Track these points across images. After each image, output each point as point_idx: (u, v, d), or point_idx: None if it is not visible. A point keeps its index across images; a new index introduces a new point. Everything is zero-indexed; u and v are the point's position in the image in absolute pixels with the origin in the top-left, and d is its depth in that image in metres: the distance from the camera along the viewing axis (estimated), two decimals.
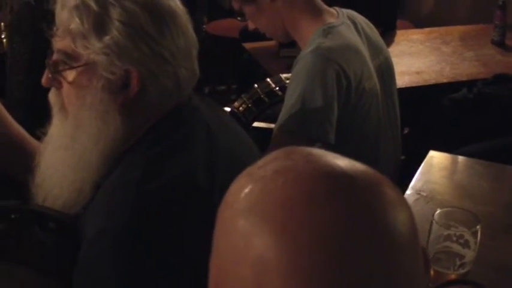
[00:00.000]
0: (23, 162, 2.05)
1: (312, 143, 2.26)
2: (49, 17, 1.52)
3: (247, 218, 0.74)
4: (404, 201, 0.78)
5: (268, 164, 0.78)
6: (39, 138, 2.52)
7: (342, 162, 0.77)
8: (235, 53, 5.04)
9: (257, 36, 4.34)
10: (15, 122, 2.12)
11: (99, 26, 1.41)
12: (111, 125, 1.46)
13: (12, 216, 1.45)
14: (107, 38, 1.41)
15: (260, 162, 0.80)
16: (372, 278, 0.71)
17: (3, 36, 3.94)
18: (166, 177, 1.38)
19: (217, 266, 0.79)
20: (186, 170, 1.41)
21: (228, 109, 2.79)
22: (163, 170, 1.39)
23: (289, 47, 3.74)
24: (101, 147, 1.48)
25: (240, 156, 1.53)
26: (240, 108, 2.75)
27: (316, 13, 2.36)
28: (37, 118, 2.00)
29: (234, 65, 5.19)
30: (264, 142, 2.28)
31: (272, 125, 2.43)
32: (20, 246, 1.43)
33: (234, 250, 0.75)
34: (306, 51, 2.24)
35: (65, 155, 1.52)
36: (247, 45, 4.20)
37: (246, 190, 0.77)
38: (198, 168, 1.43)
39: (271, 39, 2.94)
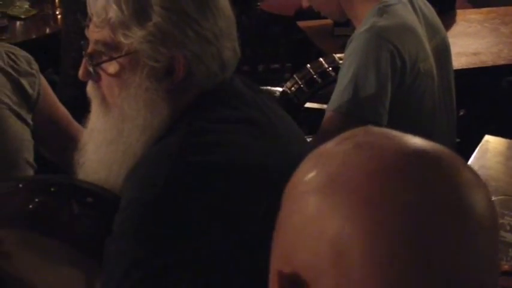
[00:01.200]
0: (66, 147, 2.07)
1: (364, 125, 2.22)
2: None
3: (327, 191, 0.73)
4: (484, 185, 0.77)
5: (346, 139, 0.77)
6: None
7: (423, 142, 0.76)
8: (289, 31, 5.01)
9: (312, 14, 4.34)
10: (61, 105, 2.14)
11: (140, 12, 1.39)
12: (157, 114, 1.44)
13: (52, 189, 1.45)
14: (149, 25, 1.39)
15: (332, 143, 0.78)
16: (453, 253, 0.70)
17: (57, 13, 3.98)
18: (202, 154, 1.36)
19: (288, 243, 0.77)
20: (222, 148, 1.39)
21: (280, 89, 2.77)
22: (200, 146, 1.37)
23: (344, 25, 3.70)
24: (146, 138, 1.46)
25: (283, 139, 1.51)
26: (292, 88, 2.73)
27: None
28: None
29: (288, 43, 5.15)
30: (316, 123, 2.26)
31: (324, 106, 2.39)
32: (56, 219, 1.44)
33: (310, 225, 0.74)
34: (360, 30, 2.20)
35: (110, 149, 1.50)
36: (302, 24, 4.16)
37: (324, 164, 0.75)
38: (237, 148, 1.41)
39: (326, 18, 2.90)
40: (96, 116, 1.53)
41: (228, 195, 1.35)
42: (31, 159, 2.02)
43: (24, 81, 1.98)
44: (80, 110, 2.14)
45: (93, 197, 1.47)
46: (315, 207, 0.73)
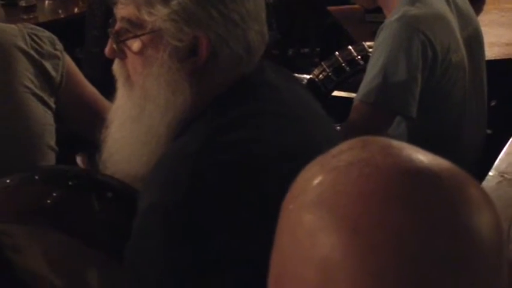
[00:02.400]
0: (96, 124, 2.05)
1: (393, 115, 2.20)
2: None
3: (315, 212, 0.68)
4: (491, 204, 0.71)
5: (342, 153, 0.72)
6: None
7: (424, 157, 0.70)
8: (320, 16, 4.97)
9: (344, 1, 4.30)
10: (88, 83, 2.12)
11: None
12: (180, 94, 1.41)
13: (70, 182, 1.42)
14: (173, 3, 1.36)
15: (334, 151, 0.73)
16: (447, 285, 0.65)
17: None
18: (226, 154, 1.32)
19: (278, 263, 0.73)
20: (249, 147, 1.35)
21: (307, 76, 2.73)
22: (223, 145, 1.33)
23: (375, 11, 3.65)
24: (169, 119, 1.43)
25: (312, 133, 1.47)
26: (320, 76, 2.69)
27: None
28: (112, 74, 1.98)
29: (318, 28, 5.11)
30: (343, 112, 2.22)
31: (352, 95, 2.35)
32: (74, 215, 1.40)
33: (297, 247, 0.69)
34: (392, 19, 2.16)
35: (132, 127, 1.47)
36: (332, 9, 4.12)
37: (316, 181, 0.71)
38: (264, 146, 1.36)
39: (355, 3, 2.86)
40: (121, 94, 1.51)
41: (253, 194, 1.31)
42: (53, 143, 2.00)
43: (47, 64, 1.96)
44: (101, 88, 2.14)
45: (113, 192, 1.44)
46: (305, 229, 0.69)
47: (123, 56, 1.47)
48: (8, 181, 1.46)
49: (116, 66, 1.50)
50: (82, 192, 1.42)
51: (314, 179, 0.71)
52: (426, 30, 2.13)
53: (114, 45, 1.46)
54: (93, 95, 2.13)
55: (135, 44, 1.42)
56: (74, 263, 1.49)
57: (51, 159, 2.00)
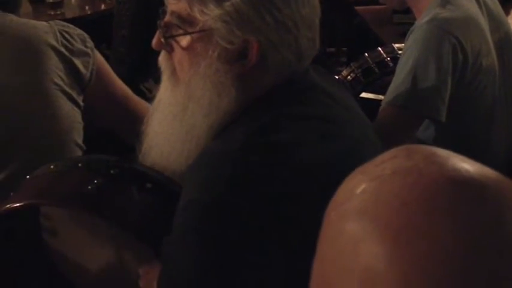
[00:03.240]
0: (128, 120, 2.06)
1: (421, 119, 2.18)
2: None
3: (357, 221, 0.67)
4: None
5: (386, 162, 0.70)
6: (142, 93, 2.53)
7: (470, 166, 0.68)
8: (347, 16, 4.94)
9: (372, 1, 4.27)
10: (118, 80, 2.12)
11: None
12: (224, 97, 1.39)
13: (112, 171, 1.44)
14: (227, 4, 1.34)
15: (377, 160, 0.72)
16: None
17: None
18: (267, 155, 1.31)
19: (320, 273, 0.72)
20: (291, 151, 1.33)
21: (336, 77, 2.71)
22: (265, 146, 1.32)
23: (403, 12, 3.63)
24: (211, 121, 1.42)
25: (354, 139, 1.45)
26: (348, 77, 2.67)
27: None
28: (139, 74, 1.99)
29: (345, 28, 5.09)
30: (371, 114, 2.20)
31: (380, 97, 2.33)
32: (114, 203, 1.43)
33: (339, 257, 0.68)
34: (422, 21, 2.13)
35: (174, 124, 1.46)
36: (360, 9, 4.10)
37: (359, 190, 0.69)
38: (307, 150, 1.34)
39: (384, 4, 2.83)
40: (165, 88, 1.50)
41: (290, 198, 1.30)
42: (80, 141, 2.01)
43: (77, 61, 1.97)
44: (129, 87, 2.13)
45: (153, 183, 1.46)
46: (347, 238, 0.67)
47: (170, 50, 1.45)
48: (52, 166, 1.51)
49: (162, 58, 1.49)
50: (123, 181, 1.45)
51: (357, 187, 0.69)
52: (457, 33, 2.10)
53: (162, 39, 1.44)
54: (124, 92, 2.13)
55: (184, 41, 1.41)
56: (109, 250, 1.51)
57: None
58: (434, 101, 2.08)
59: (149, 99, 1.87)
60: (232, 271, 1.27)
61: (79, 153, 2.01)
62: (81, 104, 2.01)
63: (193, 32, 1.38)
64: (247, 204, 1.26)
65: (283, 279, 1.29)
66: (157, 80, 1.61)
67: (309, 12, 1.39)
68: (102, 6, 4.09)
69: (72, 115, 1.97)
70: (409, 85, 2.07)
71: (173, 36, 1.42)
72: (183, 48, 1.41)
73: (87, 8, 4.07)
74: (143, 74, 2.72)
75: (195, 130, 1.42)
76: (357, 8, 4.17)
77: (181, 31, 1.40)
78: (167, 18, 1.43)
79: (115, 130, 2.20)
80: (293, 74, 1.42)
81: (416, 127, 2.20)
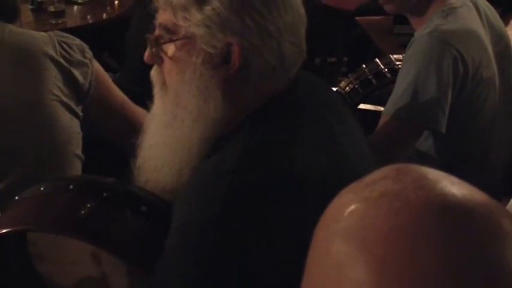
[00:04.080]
0: (125, 129, 2.05)
1: (421, 131, 2.17)
2: None
3: (343, 243, 0.66)
4: None
5: (375, 183, 0.69)
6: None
7: (459, 190, 0.67)
8: (348, 26, 4.95)
9: (374, 11, 4.27)
10: (117, 88, 2.12)
11: None
12: (211, 102, 1.39)
13: (104, 194, 1.40)
14: (207, 9, 1.35)
15: (368, 179, 0.71)
16: None
17: None
18: (262, 172, 1.30)
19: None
20: (286, 166, 1.32)
21: (334, 89, 2.71)
22: (260, 163, 1.31)
23: (404, 23, 3.63)
24: (200, 127, 1.41)
25: (346, 153, 1.45)
26: (347, 88, 2.67)
27: None
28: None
29: (346, 38, 5.09)
30: (370, 125, 2.20)
31: (379, 108, 2.33)
32: (107, 228, 1.39)
33: (325, 278, 0.67)
34: (423, 32, 2.13)
35: (164, 133, 1.47)
36: (361, 20, 4.10)
37: (347, 210, 0.68)
38: (301, 165, 1.34)
39: (383, 14, 2.82)
40: (157, 100, 1.51)
41: (287, 215, 1.29)
42: (79, 151, 2.01)
43: (76, 72, 1.97)
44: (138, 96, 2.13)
45: (148, 206, 1.41)
46: (333, 260, 0.67)
47: (160, 62, 1.47)
48: (42, 188, 1.45)
49: (154, 72, 1.50)
50: (116, 205, 1.40)
51: (346, 207, 0.69)
52: (458, 45, 2.10)
53: (152, 50, 1.46)
54: (122, 101, 2.13)
55: (170, 49, 1.42)
56: (99, 273, 1.48)
57: (77, 167, 2.00)
58: (435, 113, 2.08)
59: None
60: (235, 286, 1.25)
61: (78, 163, 2.00)
62: (80, 114, 2.00)
63: (177, 39, 1.39)
64: (241, 225, 1.25)
65: None
66: None
67: (292, 19, 1.39)
68: (104, 16, 4.09)
69: (70, 126, 1.97)
70: (410, 97, 2.07)
71: (159, 45, 1.43)
72: (170, 58, 1.43)
73: (88, 17, 4.08)
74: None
75: (186, 137, 1.42)
76: (357, 18, 4.17)
77: (167, 39, 1.42)
78: (156, 32, 1.45)
79: (113, 139, 2.19)
80: (282, 86, 1.42)
81: (416, 138, 2.20)
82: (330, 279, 0.66)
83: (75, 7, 4.10)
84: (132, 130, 2.06)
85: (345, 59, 5.18)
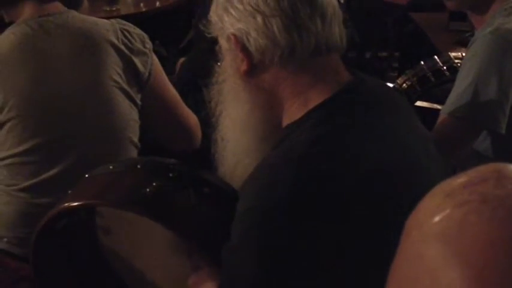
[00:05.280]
0: (173, 127, 2.09)
1: (480, 130, 2.14)
2: None
3: (439, 248, 0.63)
4: None
5: (475, 185, 0.66)
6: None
7: None
8: (400, 21, 4.92)
9: (425, 6, 4.24)
10: (171, 85, 2.15)
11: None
12: (256, 99, 1.47)
13: (170, 174, 1.44)
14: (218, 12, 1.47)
15: (464, 179, 0.67)
16: None
17: None
18: (329, 160, 1.31)
19: None
20: (351, 156, 1.33)
21: (391, 85, 2.68)
22: (326, 153, 1.32)
23: (460, 20, 3.59)
24: (251, 125, 1.48)
25: (405, 144, 1.45)
26: (404, 85, 2.64)
27: None
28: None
29: (398, 33, 5.06)
30: (425, 122, 2.17)
31: (435, 106, 2.30)
32: (170, 206, 1.42)
33: (416, 283, 0.65)
34: (485, 31, 2.09)
35: (244, 131, 1.52)
36: (415, 15, 4.06)
37: (443, 214, 0.65)
38: (366, 156, 1.35)
39: (439, 10, 2.78)
40: (230, 108, 1.55)
41: (350, 205, 1.30)
42: (136, 139, 2.03)
43: (136, 60, 1.99)
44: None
45: (210, 188, 1.45)
46: (426, 265, 0.64)
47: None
48: (111, 167, 1.51)
49: (227, 83, 1.54)
50: (180, 185, 1.44)
51: (441, 209, 0.66)
52: None
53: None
54: (175, 98, 2.16)
55: (226, 57, 1.49)
56: (162, 251, 1.52)
57: (133, 154, 2.02)
58: (495, 113, 2.04)
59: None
60: (289, 278, 1.27)
61: (134, 151, 2.02)
62: (139, 103, 2.02)
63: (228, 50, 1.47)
64: (306, 211, 1.26)
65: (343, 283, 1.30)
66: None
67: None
68: (157, 4, 4.11)
69: (129, 113, 1.99)
70: (470, 96, 2.03)
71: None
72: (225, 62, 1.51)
73: (142, 5, 4.10)
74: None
75: (238, 140, 1.51)
76: (412, 14, 4.13)
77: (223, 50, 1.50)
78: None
79: (158, 135, 2.21)
80: (346, 83, 1.43)
81: (475, 138, 2.17)
82: (422, 284, 0.64)
83: None
84: (178, 129, 2.11)
85: (396, 54, 5.15)
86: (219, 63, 1.52)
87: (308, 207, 1.26)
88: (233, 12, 1.42)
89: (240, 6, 1.41)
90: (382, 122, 1.43)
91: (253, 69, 1.43)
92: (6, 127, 1.89)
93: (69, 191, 1.52)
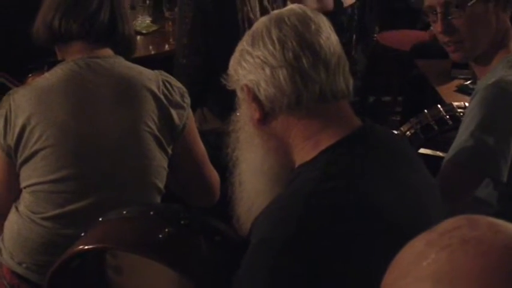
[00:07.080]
0: (196, 183, 2.15)
1: (482, 178, 2.17)
2: None
3: (434, 286, 0.69)
4: None
5: (451, 231, 0.73)
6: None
7: None
8: (404, 66, 4.96)
9: (428, 52, 4.29)
10: (201, 143, 2.21)
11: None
12: (267, 139, 1.55)
13: (182, 222, 1.49)
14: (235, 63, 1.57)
15: (439, 229, 0.75)
16: None
17: None
18: (338, 196, 1.38)
19: None
20: (359, 196, 1.40)
21: (395, 132, 2.73)
22: (337, 189, 1.39)
23: (462, 68, 3.64)
24: (265, 169, 1.56)
25: (411, 188, 1.52)
26: (408, 133, 2.68)
27: (506, 38, 2.23)
28: (199, 87, 2.04)
29: (401, 78, 5.11)
30: (429, 170, 2.21)
31: (438, 153, 2.33)
32: (181, 252, 1.47)
33: None
34: (488, 82, 2.13)
35: (249, 179, 1.61)
36: (419, 62, 4.12)
37: (430, 258, 0.71)
38: (373, 197, 1.42)
39: (442, 57, 2.81)
40: (248, 153, 1.64)
41: (359, 239, 1.37)
42: (162, 186, 2.08)
43: (173, 112, 2.06)
44: None
45: (222, 236, 1.51)
46: None
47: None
48: (124, 212, 1.56)
49: (248, 127, 1.62)
50: (192, 232, 1.50)
51: (426, 256, 0.72)
52: None
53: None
54: (203, 156, 2.22)
55: (242, 107, 1.59)
56: None
57: (155, 200, 2.07)
58: (497, 162, 2.08)
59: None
60: None
61: (157, 197, 2.07)
62: (170, 152, 2.08)
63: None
64: (315, 245, 1.33)
65: None
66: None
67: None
68: (166, 47, 4.16)
69: (159, 159, 2.05)
70: (472, 145, 2.07)
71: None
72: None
73: (151, 48, 4.15)
74: (203, 90, 2.79)
75: (253, 185, 1.58)
76: (416, 60, 4.19)
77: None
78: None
79: (179, 188, 2.26)
80: (352, 128, 1.51)
81: (477, 186, 2.20)
82: None
83: (139, 37, 4.18)
84: (201, 186, 2.17)
85: (400, 98, 5.19)
86: (237, 113, 1.60)
87: (316, 242, 1.32)
88: (245, 65, 1.51)
89: (250, 60, 1.50)
90: (391, 166, 1.50)
91: (265, 117, 1.51)
92: (40, 154, 1.95)
93: (82, 234, 1.56)
